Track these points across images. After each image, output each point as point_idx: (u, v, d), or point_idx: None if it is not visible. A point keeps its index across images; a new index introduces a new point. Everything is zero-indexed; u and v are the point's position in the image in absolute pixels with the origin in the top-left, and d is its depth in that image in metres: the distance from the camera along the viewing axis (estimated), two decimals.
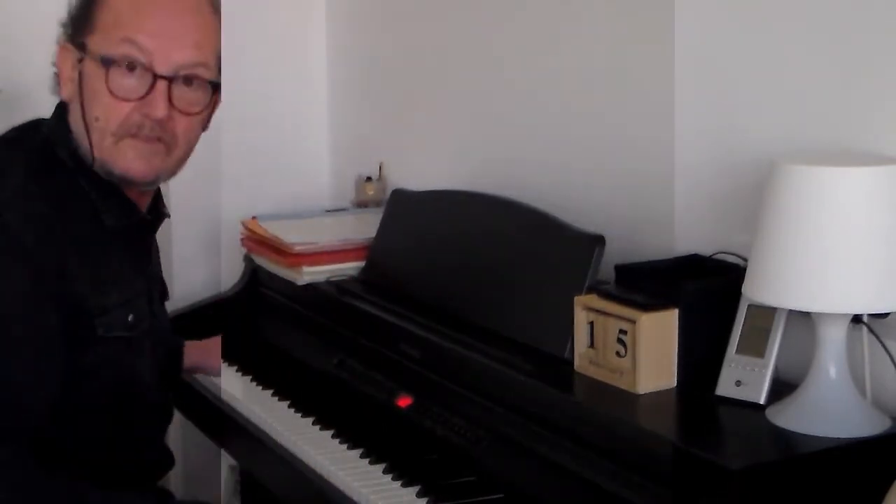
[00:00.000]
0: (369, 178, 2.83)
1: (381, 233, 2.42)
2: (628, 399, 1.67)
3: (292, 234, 2.48)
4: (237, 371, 2.37)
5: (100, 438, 1.73)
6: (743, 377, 1.63)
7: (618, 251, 1.90)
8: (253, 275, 2.68)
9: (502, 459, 1.77)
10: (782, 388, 1.62)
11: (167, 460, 1.96)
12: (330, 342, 2.30)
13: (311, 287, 2.41)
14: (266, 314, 2.60)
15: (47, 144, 1.72)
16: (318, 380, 2.24)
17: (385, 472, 1.81)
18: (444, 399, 1.93)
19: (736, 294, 1.64)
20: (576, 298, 1.78)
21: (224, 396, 2.26)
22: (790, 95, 1.77)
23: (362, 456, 1.87)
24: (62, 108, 1.75)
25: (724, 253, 1.82)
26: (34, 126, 1.76)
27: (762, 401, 1.61)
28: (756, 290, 1.54)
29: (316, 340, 2.35)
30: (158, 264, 1.98)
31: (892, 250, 1.45)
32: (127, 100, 1.65)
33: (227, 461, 2.73)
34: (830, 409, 1.53)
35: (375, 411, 2.04)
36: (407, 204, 2.38)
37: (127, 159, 1.68)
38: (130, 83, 1.65)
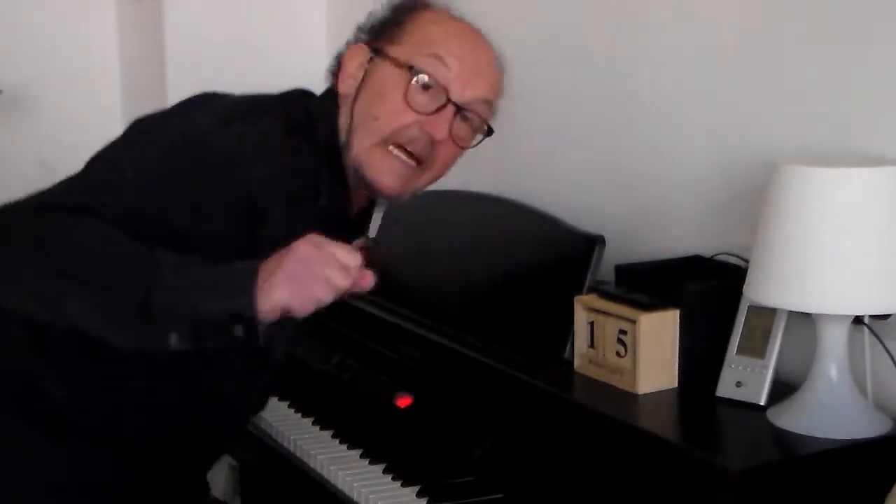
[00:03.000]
0: None
1: (380, 233, 2.41)
2: (628, 399, 1.67)
3: None
4: None
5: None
6: (743, 378, 1.63)
7: (618, 251, 1.90)
8: None
9: (502, 459, 1.76)
10: (783, 389, 1.62)
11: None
12: (330, 342, 2.30)
13: None
14: None
15: (309, 115, 1.74)
16: (318, 380, 2.24)
17: (385, 472, 1.81)
18: (444, 399, 1.93)
19: (736, 295, 1.64)
20: (576, 298, 1.78)
21: None
22: (791, 96, 1.77)
23: (362, 456, 1.87)
24: (333, 95, 1.76)
25: (725, 254, 1.81)
26: (304, 94, 1.78)
27: (763, 402, 1.61)
28: (757, 290, 1.54)
29: (316, 340, 2.35)
30: None
31: (893, 251, 1.45)
32: (415, 110, 1.67)
33: (227, 461, 2.72)
34: (831, 410, 1.53)
35: (375, 411, 2.04)
36: (406, 204, 2.38)
37: (382, 169, 1.69)
38: (423, 98, 1.68)
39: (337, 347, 2.26)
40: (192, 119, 1.65)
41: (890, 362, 1.60)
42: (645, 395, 1.67)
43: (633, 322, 1.67)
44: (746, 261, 1.65)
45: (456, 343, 1.96)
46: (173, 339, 1.46)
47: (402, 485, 1.76)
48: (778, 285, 1.50)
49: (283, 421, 2.06)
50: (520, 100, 2.37)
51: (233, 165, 1.60)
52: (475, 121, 1.72)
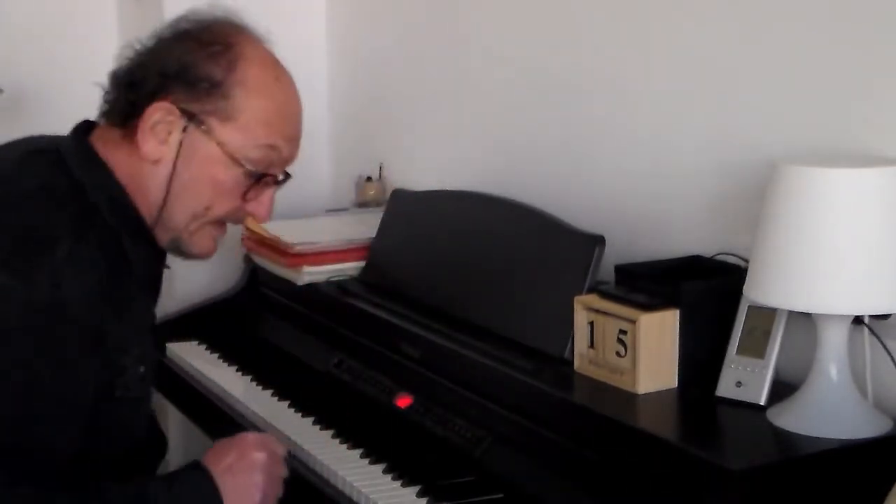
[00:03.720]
0: (369, 178, 2.83)
1: (381, 233, 2.42)
2: (628, 399, 1.67)
3: (292, 234, 2.48)
4: (237, 371, 2.37)
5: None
6: (743, 378, 1.63)
7: (618, 251, 1.90)
8: (253, 275, 2.68)
9: (502, 459, 1.76)
10: (783, 389, 1.62)
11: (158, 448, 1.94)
12: (330, 342, 2.30)
13: (311, 287, 2.41)
14: (266, 314, 2.60)
15: (76, 190, 1.59)
16: (318, 380, 2.24)
17: (385, 472, 1.81)
18: (444, 399, 1.93)
19: (736, 295, 1.63)
20: (576, 298, 1.78)
21: (224, 396, 2.26)
22: (791, 96, 1.77)
23: (362, 456, 1.87)
24: (85, 145, 1.64)
25: (725, 254, 1.81)
26: (54, 157, 1.62)
27: (762, 402, 1.61)
28: (757, 290, 1.54)
29: (316, 340, 2.35)
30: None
31: (893, 251, 1.45)
32: (248, 201, 1.66)
33: None
34: (831, 410, 1.53)
35: (375, 411, 2.04)
36: (407, 204, 2.38)
37: (206, 243, 1.68)
38: (258, 189, 1.66)
39: (337, 347, 2.26)
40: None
41: (890, 362, 1.60)
42: (645, 395, 1.67)
43: (633, 322, 1.67)
44: (746, 261, 1.65)
45: (456, 343, 1.96)
46: None
47: (402, 485, 1.76)
48: (778, 285, 1.50)
49: (283, 421, 2.06)
50: (519, 100, 2.38)
51: (64, 324, 1.50)
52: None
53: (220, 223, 1.69)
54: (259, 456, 1.63)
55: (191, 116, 1.61)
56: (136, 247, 1.63)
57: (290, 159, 1.69)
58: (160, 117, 1.61)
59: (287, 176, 1.71)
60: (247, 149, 1.62)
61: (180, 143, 1.61)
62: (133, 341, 1.62)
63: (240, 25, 1.70)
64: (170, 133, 1.61)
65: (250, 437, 1.70)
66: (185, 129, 1.61)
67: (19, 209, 1.55)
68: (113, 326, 1.56)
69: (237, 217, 1.70)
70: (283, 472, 1.69)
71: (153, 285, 1.75)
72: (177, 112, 1.61)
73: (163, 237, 1.66)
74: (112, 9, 3.27)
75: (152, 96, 1.61)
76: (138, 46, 1.70)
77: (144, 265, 1.66)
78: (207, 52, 1.63)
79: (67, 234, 1.53)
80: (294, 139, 1.69)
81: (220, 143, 1.61)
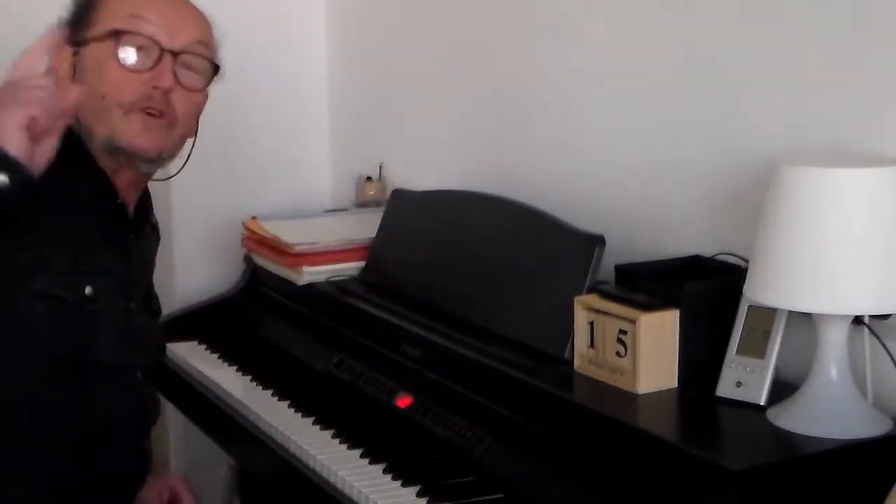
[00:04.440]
0: (369, 178, 2.83)
1: (381, 233, 2.42)
2: (628, 399, 1.67)
3: (292, 234, 2.48)
4: (237, 371, 2.37)
5: (55, 419, 1.74)
6: (743, 378, 1.63)
7: (618, 251, 1.90)
8: (253, 275, 2.68)
9: (502, 459, 1.76)
10: (783, 389, 1.62)
11: (139, 471, 1.97)
12: (330, 342, 2.30)
13: (311, 287, 2.41)
14: (266, 314, 2.60)
15: None
16: (318, 380, 2.24)
17: (385, 471, 1.81)
18: (444, 399, 1.92)
19: (737, 295, 1.63)
20: (576, 298, 1.78)
21: (224, 396, 2.26)
22: (791, 96, 1.77)
23: (362, 456, 1.87)
24: None
25: (725, 254, 1.81)
26: None
27: (763, 402, 1.61)
28: (757, 290, 1.54)
29: (316, 340, 2.35)
30: (145, 273, 1.98)
31: (893, 251, 1.45)
32: (136, 70, 1.72)
33: (227, 461, 2.73)
34: (831, 410, 1.53)
35: (375, 411, 2.04)
36: (407, 204, 2.38)
37: (133, 131, 1.73)
38: (138, 57, 1.73)
39: (337, 347, 2.26)
40: None
41: (890, 362, 1.60)
42: (645, 395, 1.67)
43: (633, 322, 1.67)
44: (746, 261, 1.65)
45: (456, 343, 1.96)
46: None
47: (402, 485, 1.76)
48: (778, 285, 1.50)
49: (283, 421, 2.06)
50: (519, 100, 2.38)
51: None
52: (198, 64, 1.79)
53: (145, 110, 1.73)
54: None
55: (77, 43, 1.74)
56: (81, 174, 1.74)
57: (165, 28, 1.74)
58: (57, 62, 1.72)
59: (177, 53, 1.74)
60: (111, 24, 1.73)
61: (73, 68, 1.74)
62: (67, 248, 1.71)
63: None
64: (65, 67, 1.73)
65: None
66: (75, 54, 1.75)
67: None
68: (32, 217, 1.61)
69: (147, 92, 1.72)
70: (33, 91, 1.54)
71: (112, 230, 1.80)
72: (66, 47, 1.74)
73: (96, 149, 1.75)
74: None
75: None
76: None
77: (89, 192, 1.76)
78: None
79: None
80: (164, 13, 1.76)
81: (92, 39, 1.75)
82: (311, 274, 2.42)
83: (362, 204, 2.82)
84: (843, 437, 1.50)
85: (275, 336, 2.51)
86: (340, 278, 2.41)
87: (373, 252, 2.41)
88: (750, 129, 1.84)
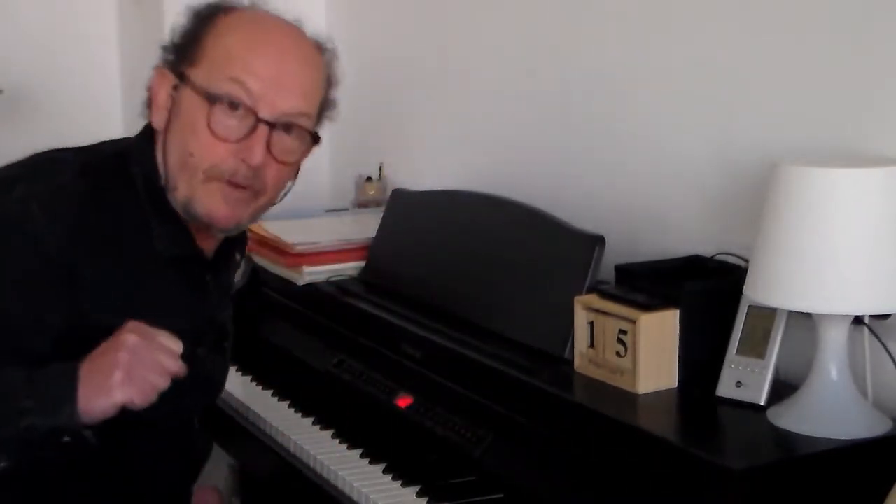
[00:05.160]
0: (369, 178, 2.83)
1: (381, 233, 2.42)
2: (628, 399, 1.67)
3: (292, 234, 2.48)
4: (237, 371, 2.37)
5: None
6: (743, 378, 1.63)
7: (618, 251, 1.90)
8: (253, 275, 2.67)
9: (502, 459, 1.76)
10: (783, 389, 1.62)
11: None
12: (330, 342, 2.29)
13: (311, 287, 2.41)
14: (266, 314, 2.59)
15: (119, 157, 1.67)
16: (318, 380, 2.24)
17: (385, 471, 1.81)
18: (444, 399, 1.92)
19: (737, 295, 1.63)
20: (576, 298, 1.78)
21: (224, 396, 2.26)
22: (791, 96, 1.77)
23: (362, 456, 1.87)
24: (149, 131, 1.69)
25: (725, 254, 1.81)
26: (112, 141, 1.72)
27: (763, 402, 1.61)
28: (757, 290, 1.54)
29: (316, 340, 2.35)
30: (223, 309, 1.87)
31: (893, 251, 1.45)
32: (226, 140, 1.59)
33: (227, 461, 2.72)
34: (831, 410, 1.53)
35: (375, 411, 2.04)
36: (407, 204, 2.38)
37: (212, 202, 1.61)
38: (231, 123, 1.59)
39: (337, 347, 2.26)
40: None
41: (890, 362, 1.60)
42: (645, 395, 1.67)
43: (633, 322, 1.67)
44: (746, 261, 1.65)
45: (456, 343, 1.96)
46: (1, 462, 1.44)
47: (402, 485, 1.76)
48: (778, 285, 1.50)
49: (283, 421, 2.06)
50: (520, 100, 2.38)
51: (19, 234, 1.52)
52: (297, 134, 1.64)
53: (228, 181, 1.61)
54: (127, 336, 1.48)
55: (179, 76, 1.63)
56: (161, 224, 1.64)
57: (265, 97, 1.59)
58: (155, 83, 1.65)
59: (274, 124, 1.61)
60: (211, 82, 1.60)
61: (172, 100, 1.63)
62: (142, 310, 1.57)
63: (246, 3, 1.70)
64: (164, 96, 1.64)
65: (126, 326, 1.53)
66: (175, 88, 1.63)
67: (41, 162, 1.65)
68: (97, 267, 1.56)
69: (234, 166, 1.60)
70: (166, 360, 1.50)
71: (188, 275, 1.71)
72: (168, 74, 1.64)
73: (177, 205, 1.64)
74: (112, 9, 3.28)
75: (154, 71, 1.67)
76: None
77: (167, 241, 1.65)
78: (194, 13, 1.66)
79: (68, 171, 1.60)
80: (267, 77, 1.60)
81: (192, 85, 1.61)
82: (311, 274, 2.42)
83: (362, 204, 2.82)
84: (843, 437, 1.50)
85: (275, 336, 2.51)
86: (340, 278, 2.41)
87: (373, 252, 2.41)
88: (750, 129, 1.84)
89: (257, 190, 1.64)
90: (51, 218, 1.54)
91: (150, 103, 1.67)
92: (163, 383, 1.49)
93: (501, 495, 1.71)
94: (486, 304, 2.02)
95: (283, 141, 1.63)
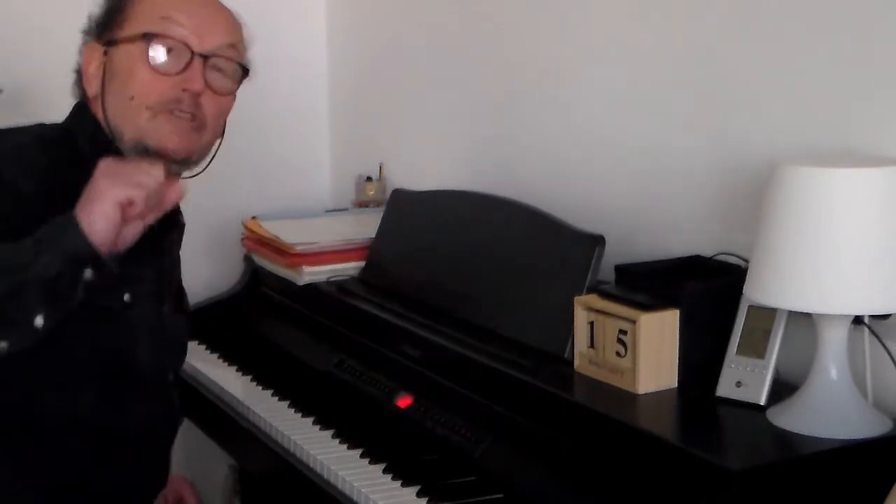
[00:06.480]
0: (369, 178, 2.83)
1: (381, 233, 2.42)
2: (628, 399, 1.67)
3: (292, 234, 2.48)
4: (237, 371, 2.37)
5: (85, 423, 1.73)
6: (743, 378, 1.63)
7: (618, 251, 1.90)
8: (253, 275, 2.68)
9: (502, 459, 1.76)
10: (783, 389, 1.62)
11: (161, 478, 1.96)
12: (330, 342, 2.30)
13: (311, 287, 2.41)
14: (266, 314, 2.60)
15: (67, 133, 1.78)
16: (318, 380, 2.24)
17: (385, 471, 1.81)
18: (444, 399, 1.92)
19: (736, 295, 1.63)
20: (576, 298, 1.78)
21: (224, 396, 2.26)
22: (791, 96, 1.77)
23: (362, 456, 1.87)
24: (82, 106, 1.80)
25: (725, 254, 1.81)
26: (47, 124, 1.82)
27: (762, 402, 1.61)
28: (757, 290, 1.54)
29: (316, 340, 2.35)
30: (174, 271, 1.97)
31: (893, 251, 1.45)
32: (166, 73, 1.71)
33: (227, 461, 2.73)
34: (831, 410, 1.53)
35: (375, 411, 2.04)
36: (407, 204, 2.38)
37: (163, 133, 1.72)
38: (168, 59, 1.72)
39: (337, 347, 2.26)
40: None
41: (890, 362, 1.60)
42: (645, 395, 1.67)
43: (633, 322, 1.67)
44: (746, 261, 1.65)
45: (456, 343, 1.96)
46: (38, 321, 1.49)
47: (402, 485, 1.76)
48: (778, 285, 1.50)
49: (283, 421, 2.06)
50: (519, 100, 2.38)
51: (15, 193, 1.61)
52: (228, 68, 1.78)
53: (172, 110, 1.72)
54: (101, 167, 1.56)
55: (108, 43, 1.75)
56: None
57: (196, 32, 1.73)
58: (86, 61, 1.77)
59: (208, 56, 1.74)
60: (143, 26, 1.73)
61: (103, 67, 1.76)
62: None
63: None
64: (96, 65, 1.76)
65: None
66: (105, 54, 1.75)
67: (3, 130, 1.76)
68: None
69: (176, 95, 1.72)
70: (143, 177, 1.56)
71: (147, 234, 1.75)
72: (97, 46, 1.76)
73: (128, 149, 1.73)
74: None
75: (81, 53, 1.80)
76: None
77: None
78: None
79: (27, 136, 1.73)
80: (196, 15, 1.75)
81: (123, 40, 1.73)
82: (311, 274, 2.42)
83: (362, 204, 2.82)
84: (843, 437, 1.50)
85: (275, 336, 2.51)
86: (340, 278, 2.41)
87: (373, 252, 2.41)
88: (750, 130, 1.84)
89: (200, 123, 1.75)
90: (19, 167, 1.65)
91: (80, 80, 1.80)
92: (148, 181, 1.55)
93: (501, 495, 1.71)
94: (486, 303, 2.02)
95: (217, 74, 1.76)
